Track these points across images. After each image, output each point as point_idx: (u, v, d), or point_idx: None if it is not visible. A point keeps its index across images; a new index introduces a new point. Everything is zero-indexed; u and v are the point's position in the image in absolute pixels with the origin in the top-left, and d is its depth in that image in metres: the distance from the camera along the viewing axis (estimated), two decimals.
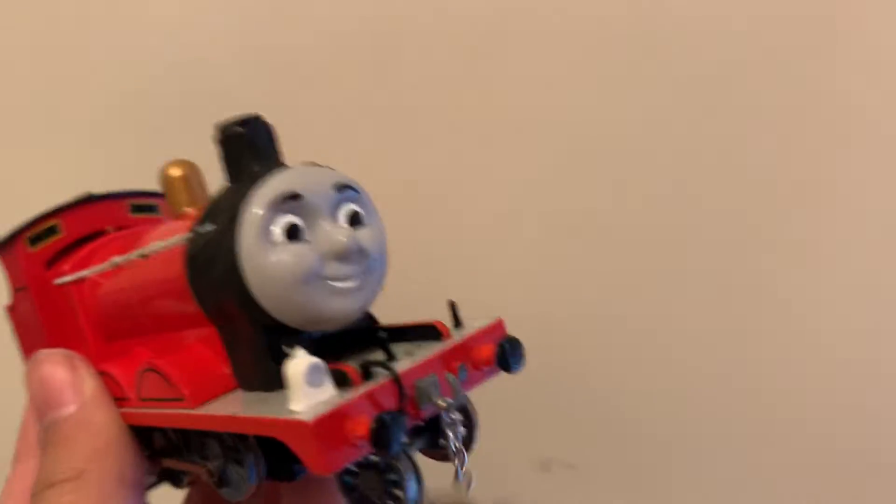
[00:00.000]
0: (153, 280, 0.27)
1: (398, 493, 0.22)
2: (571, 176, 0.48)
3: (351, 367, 0.21)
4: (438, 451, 0.25)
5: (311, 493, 0.29)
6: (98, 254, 0.31)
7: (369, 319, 0.26)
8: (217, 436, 0.25)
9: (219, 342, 0.25)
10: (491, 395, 0.48)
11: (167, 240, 0.26)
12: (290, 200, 0.22)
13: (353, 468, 0.23)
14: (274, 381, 0.23)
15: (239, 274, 0.22)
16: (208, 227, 0.24)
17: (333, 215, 0.23)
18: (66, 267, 0.31)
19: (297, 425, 0.19)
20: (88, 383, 0.28)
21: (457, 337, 0.24)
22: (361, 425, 0.19)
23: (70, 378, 0.28)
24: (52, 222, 0.32)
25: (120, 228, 0.33)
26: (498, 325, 0.25)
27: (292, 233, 0.22)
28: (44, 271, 0.31)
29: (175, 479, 0.33)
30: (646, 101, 0.46)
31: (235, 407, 0.23)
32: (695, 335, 0.48)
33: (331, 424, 0.19)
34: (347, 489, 0.23)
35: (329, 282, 0.23)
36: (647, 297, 0.48)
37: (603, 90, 0.47)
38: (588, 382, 0.50)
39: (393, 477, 0.22)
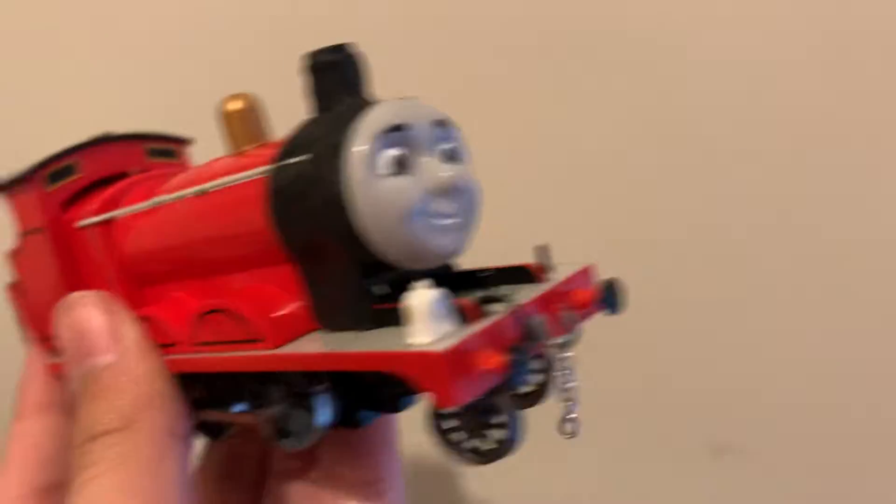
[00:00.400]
0: (211, 218, 0.26)
1: (499, 433, 0.21)
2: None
3: (468, 301, 0.21)
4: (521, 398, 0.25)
5: (362, 449, 0.28)
6: (126, 195, 0.29)
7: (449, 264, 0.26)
8: (283, 380, 0.24)
9: (287, 282, 0.24)
10: (658, 373, 0.46)
11: (236, 174, 0.24)
12: (395, 132, 0.22)
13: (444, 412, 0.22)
14: (365, 320, 0.22)
15: (342, 206, 0.21)
16: (299, 159, 0.22)
17: (433, 150, 0.23)
18: (88, 208, 0.29)
19: (427, 357, 0.19)
20: (129, 328, 0.27)
21: (552, 280, 0.24)
22: (492, 358, 0.19)
23: (108, 323, 0.26)
24: (69, 161, 0.30)
25: (138, 172, 0.31)
26: (589, 270, 0.25)
27: (398, 165, 0.22)
28: (61, 212, 0.30)
29: (212, 431, 0.32)
30: None
31: (328, 345, 0.22)
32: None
33: (461, 356, 0.19)
34: (440, 433, 0.23)
35: (432, 219, 0.22)
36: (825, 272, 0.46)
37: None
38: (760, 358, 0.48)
39: (496, 419, 0.21)
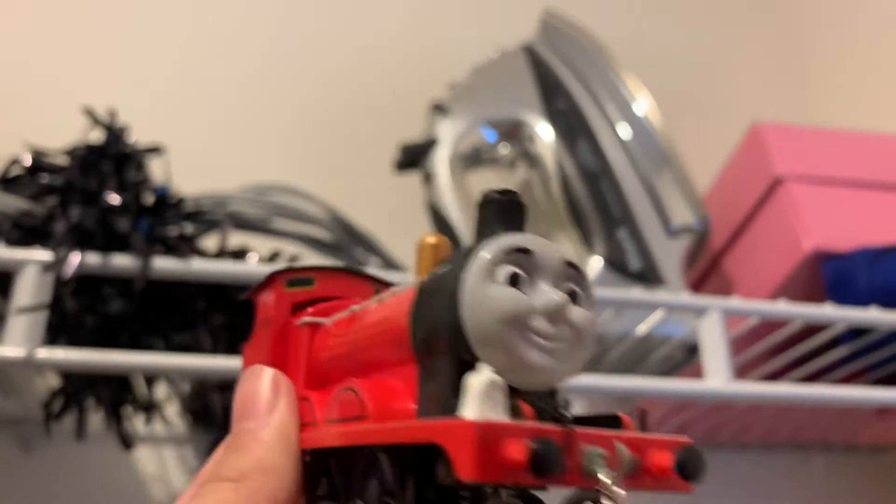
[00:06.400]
0: (376, 320, 0.29)
1: None
2: None
3: (528, 405, 0.22)
4: None
5: None
6: (339, 308, 0.33)
7: (552, 399, 0.26)
8: (379, 477, 0.26)
9: (409, 381, 0.26)
10: None
11: (407, 286, 0.28)
12: (520, 253, 0.24)
13: None
14: (448, 411, 0.23)
15: (455, 302, 0.23)
16: (445, 268, 0.25)
17: (555, 283, 0.24)
18: (311, 311, 0.34)
19: (461, 425, 0.20)
20: (281, 408, 0.30)
21: (637, 433, 0.24)
22: (520, 447, 0.20)
23: (269, 397, 0.31)
24: (311, 275, 0.35)
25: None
26: (684, 441, 0.23)
27: (513, 280, 0.24)
28: (289, 313, 0.34)
29: None
30: None
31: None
32: None
33: (492, 433, 0.20)
34: None
35: (532, 334, 0.23)
36: None
37: None
38: None
39: None
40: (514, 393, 0.23)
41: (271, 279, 0.35)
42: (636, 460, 0.22)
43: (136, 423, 0.63)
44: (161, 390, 0.60)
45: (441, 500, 0.26)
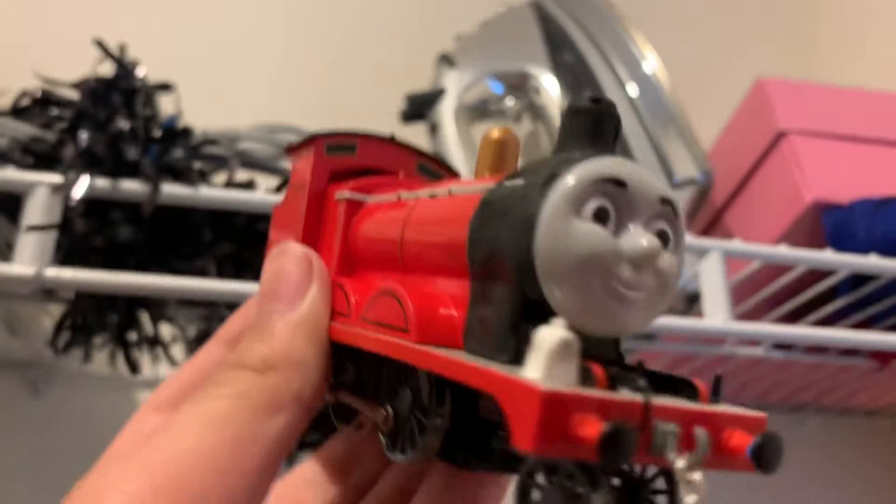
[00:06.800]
0: (430, 218, 0.26)
1: None
2: None
3: (601, 368, 0.19)
4: None
5: (467, 497, 0.27)
6: (383, 188, 0.31)
7: (615, 348, 0.24)
8: (413, 387, 0.25)
9: (460, 297, 0.24)
10: None
11: (464, 187, 0.26)
12: (613, 185, 0.21)
13: (541, 484, 0.21)
14: (504, 352, 0.21)
15: (530, 231, 0.21)
16: (517, 182, 0.23)
17: (645, 223, 0.22)
18: (351, 185, 0.31)
19: (527, 389, 0.18)
20: (314, 292, 0.28)
21: (714, 406, 0.21)
22: (591, 425, 0.17)
23: (301, 280, 0.28)
24: (353, 141, 0.33)
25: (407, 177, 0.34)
26: (762, 419, 0.21)
27: (601, 215, 0.21)
28: (326, 180, 0.32)
29: (343, 417, 0.32)
30: None
31: (455, 356, 0.22)
32: None
33: (561, 406, 0.17)
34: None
35: (614, 281, 0.21)
36: None
37: None
38: None
39: None
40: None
41: (311, 140, 0.32)
42: (710, 441, 0.20)
43: (143, 364, 0.64)
44: (167, 332, 0.61)
45: (478, 429, 0.24)
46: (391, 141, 0.34)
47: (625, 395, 0.19)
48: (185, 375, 0.32)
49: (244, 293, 0.47)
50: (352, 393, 0.28)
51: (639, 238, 0.21)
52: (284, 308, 0.27)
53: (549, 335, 0.19)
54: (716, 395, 0.21)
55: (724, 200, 0.71)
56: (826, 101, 0.68)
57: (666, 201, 0.22)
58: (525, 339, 0.20)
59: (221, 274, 0.52)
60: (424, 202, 0.27)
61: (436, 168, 0.35)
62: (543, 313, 0.21)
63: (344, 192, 0.31)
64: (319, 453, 0.31)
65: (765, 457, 0.20)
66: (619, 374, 0.19)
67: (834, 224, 0.60)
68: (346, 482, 0.30)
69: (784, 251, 0.55)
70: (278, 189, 0.55)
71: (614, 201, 0.21)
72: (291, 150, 0.34)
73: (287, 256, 0.29)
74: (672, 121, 0.67)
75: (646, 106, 0.67)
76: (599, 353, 0.22)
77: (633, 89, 0.67)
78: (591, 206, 0.21)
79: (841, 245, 0.58)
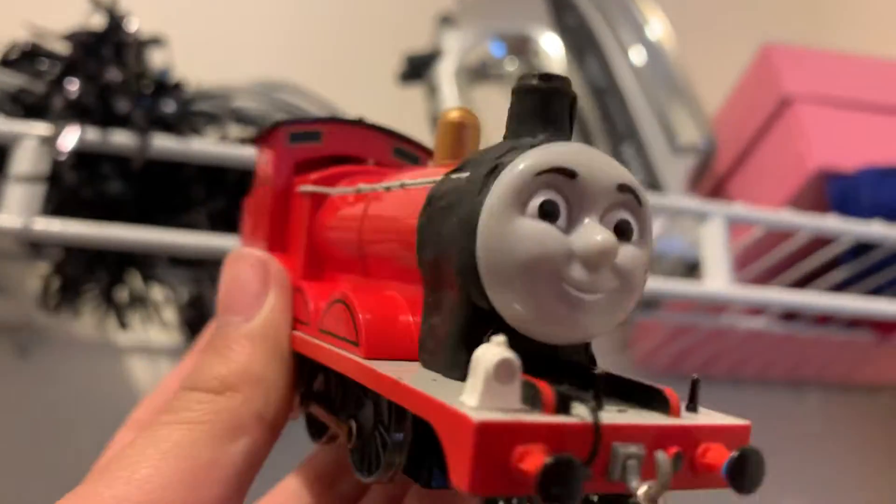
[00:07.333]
0: (383, 216, 0.25)
1: None
2: None
3: (548, 387, 0.17)
4: None
5: None
6: (349, 178, 0.29)
7: (585, 353, 0.22)
8: (375, 400, 0.23)
9: (414, 303, 0.22)
10: None
11: (416, 179, 0.23)
12: (561, 175, 0.19)
13: None
14: (456, 368, 0.20)
15: (472, 231, 0.19)
16: (462, 175, 0.21)
17: (601, 216, 0.20)
18: (313, 177, 0.29)
19: (458, 417, 0.16)
20: (272, 300, 0.26)
21: (686, 419, 0.19)
22: (533, 457, 0.16)
23: (257, 288, 0.26)
24: (317, 128, 0.31)
25: (378, 164, 0.31)
26: (743, 429, 0.19)
27: (547, 210, 0.19)
28: (291, 172, 0.30)
29: (316, 429, 0.30)
30: None
31: (402, 375, 0.20)
32: None
33: (497, 437, 0.16)
34: None
35: (565, 285, 0.19)
36: None
37: None
38: None
39: None
40: (529, 353, 0.18)
41: (272, 130, 0.30)
42: (680, 459, 0.18)
43: (133, 327, 0.63)
44: (157, 294, 0.60)
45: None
46: (360, 125, 0.31)
47: (578, 415, 0.17)
48: (160, 392, 0.31)
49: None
50: (321, 405, 0.26)
51: (592, 233, 0.19)
52: (240, 319, 0.26)
53: (485, 354, 0.17)
54: (692, 402, 0.20)
55: (728, 167, 0.70)
56: (833, 68, 0.66)
57: (625, 188, 0.20)
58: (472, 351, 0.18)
59: (214, 230, 0.51)
60: (380, 196, 0.25)
61: (413, 150, 0.32)
62: (495, 323, 0.19)
63: (307, 185, 0.29)
64: (305, 465, 0.29)
65: (742, 475, 0.18)
66: (571, 393, 0.17)
67: (839, 192, 0.59)
68: (334, 494, 0.28)
69: (787, 216, 0.54)
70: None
71: (563, 193, 0.19)
72: (256, 140, 0.32)
73: (241, 262, 0.27)
74: (675, 86, 0.65)
75: (649, 71, 0.66)
76: (566, 360, 0.21)
77: (637, 54, 0.66)
78: (536, 200, 0.19)
79: (845, 213, 0.57)
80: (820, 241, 0.56)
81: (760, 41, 0.69)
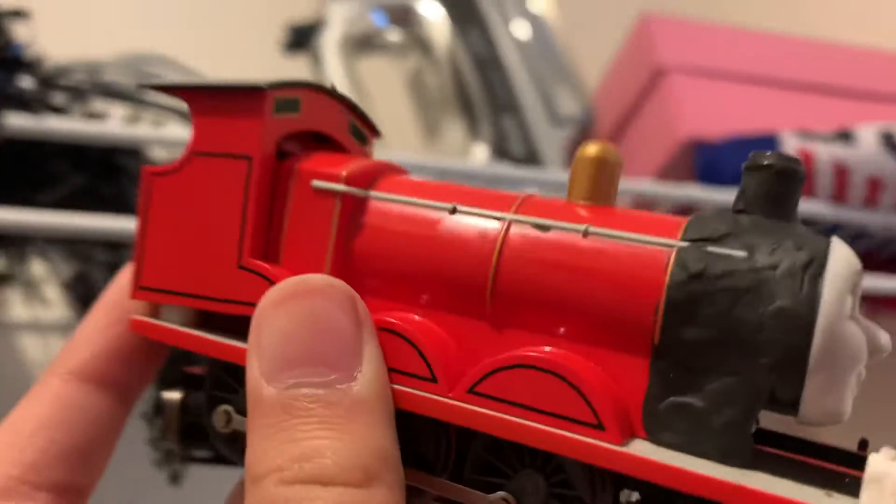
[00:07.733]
0: (560, 268, 0.21)
1: None
2: None
3: None
4: None
5: None
6: (382, 178, 0.24)
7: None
8: (545, 470, 0.21)
9: (625, 373, 0.21)
10: None
11: (610, 229, 0.21)
12: (859, 275, 0.20)
13: None
14: (732, 457, 0.19)
15: (804, 326, 0.19)
16: (734, 252, 0.20)
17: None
18: (330, 170, 0.24)
19: None
20: (372, 350, 0.20)
21: None
22: None
23: (353, 333, 0.20)
24: (297, 94, 0.25)
25: (334, 141, 0.27)
26: None
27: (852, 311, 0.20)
28: (274, 150, 0.24)
29: None
30: None
31: (709, 470, 0.19)
32: None
33: None
34: None
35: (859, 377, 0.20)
36: None
37: None
38: None
39: None
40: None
41: (254, 92, 0.23)
42: None
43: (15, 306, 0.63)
44: (38, 269, 0.60)
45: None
46: (330, 93, 0.26)
47: None
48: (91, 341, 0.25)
49: (100, 228, 0.46)
50: (451, 480, 0.22)
51: (876, 332, 0.20)
52: (338, 378, 0.19)
53: (888, 468, 0.17)
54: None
55: (607, 138, 0.72)
56: (710, 39, 0.68)
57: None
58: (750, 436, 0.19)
59: (77, 207, 0.50)
60: (532, 240, 0.22)
61: (363, 128, 0.28)
62: (774, 407, 0.20)
63: (333, 183, 0.23)
64: None
65: None
66: None
67: (705, 161, 0.61)
68: None
69: (648, 185, 0.56)
70: (134, 120, 0.53)
71: (856, 294, 0.20)
72: (196, 95, 0.24)
73: (320, 298, 0.20)
74: (556, 58, 0.67)
75: (531, 43, 0.66)
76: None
77: (518, 25, 0.67)
78: (850, 300, 0.19)
79: (710, 182, 0.59)
80: (687, 211, 0.58)
81: (642, 11, 0.70)
